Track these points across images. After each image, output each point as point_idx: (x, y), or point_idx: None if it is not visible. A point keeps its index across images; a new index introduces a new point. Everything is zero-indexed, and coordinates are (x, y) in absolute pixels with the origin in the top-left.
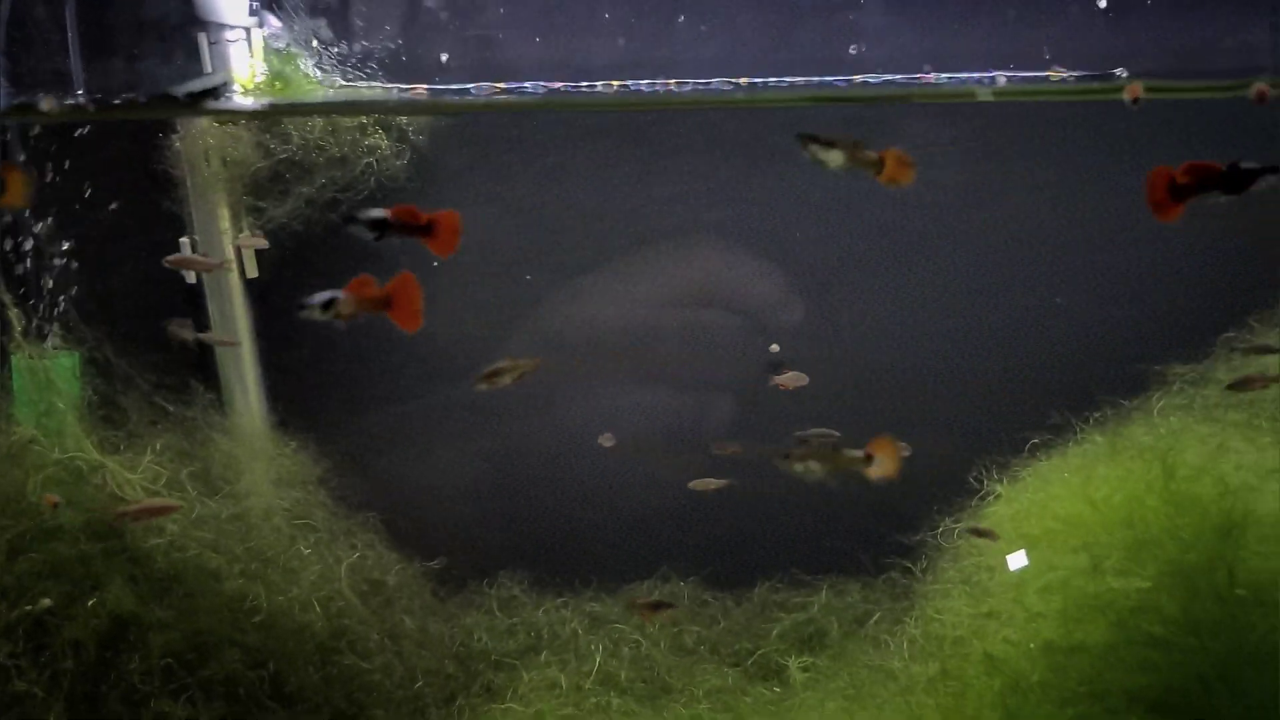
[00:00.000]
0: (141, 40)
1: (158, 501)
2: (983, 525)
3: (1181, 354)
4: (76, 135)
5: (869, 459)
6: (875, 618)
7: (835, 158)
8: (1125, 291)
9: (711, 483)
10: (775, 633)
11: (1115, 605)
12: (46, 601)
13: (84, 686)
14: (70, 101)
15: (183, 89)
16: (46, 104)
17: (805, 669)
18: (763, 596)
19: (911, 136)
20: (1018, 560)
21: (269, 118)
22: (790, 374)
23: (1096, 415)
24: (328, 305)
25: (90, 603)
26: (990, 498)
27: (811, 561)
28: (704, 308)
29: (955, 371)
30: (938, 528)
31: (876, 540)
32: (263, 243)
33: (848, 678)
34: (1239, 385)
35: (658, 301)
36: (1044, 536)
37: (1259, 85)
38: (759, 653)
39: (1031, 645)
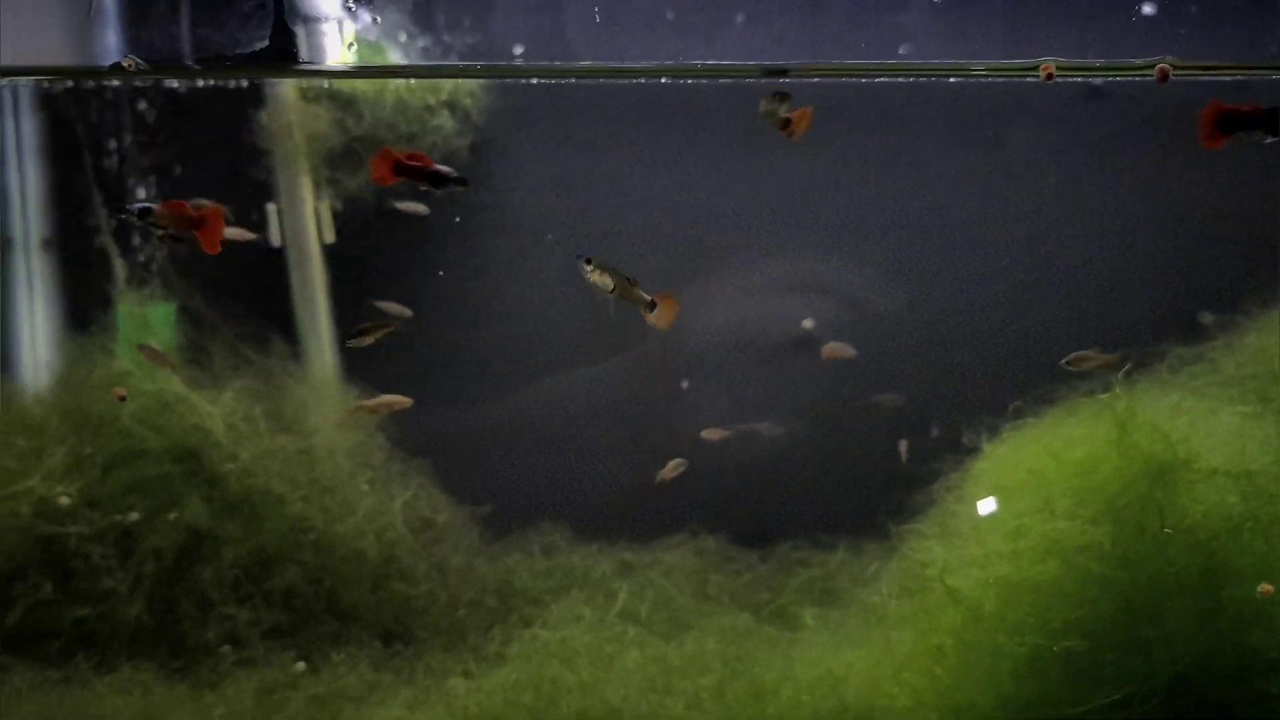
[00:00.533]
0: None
1: (392, 398)
2: (968, 480)
3: (1183, 337)
4: (180, 102)
5: (651, 305)
6: (873, 567)
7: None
8: (1138, 276)
9: (717, 432)
10: (793, 586)
11: (1063, 544)
12: (134, 515)
13: (162, 589)
14: (152, 62)
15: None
16: (127, 62)
17: (816, 618)
18: (785, 554)
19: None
20: (986, 506)
21: (344, 77)
22: (835, 344)
23: (1087, 386)
24: (143, 213)
25: (170, 517)
26: (977, 455)
27: (833, 523)
28: (746, 290)
29: (964, 345)
30: (933, 482)
31: (890, 502)
32: (422, 209)
33: (846, 620)
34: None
35: (702, 278)
36: (1015, 487)
37: (1161, 65)
38: (775, 603)
39: (990, 582)
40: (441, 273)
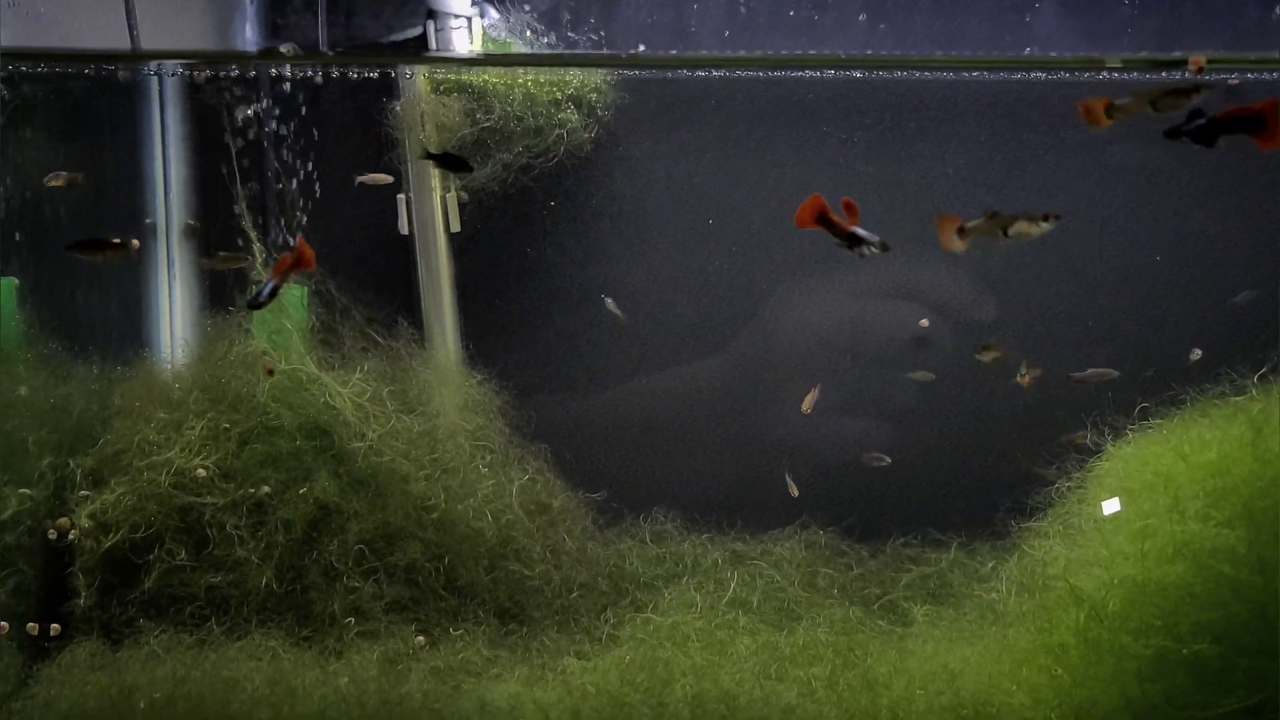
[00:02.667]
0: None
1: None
2: (1091, 480)
3: None
4: (317, 94)
5: None
6: (990, 565)
7: None
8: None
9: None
10: (903, 582)
11: (1193, 547)
12: (266, 488)
13: (291, 559)
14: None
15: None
16: (286, 48)
17: (929, 614)
18: (896, 550)
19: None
20: (1111, 506)
21: (476, 65)
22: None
23: (1217, 390)
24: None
25: (301, 490)
26: (1101, 455)
27: (945, 521)
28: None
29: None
30: (1053, 483)
31: (1006, 501)
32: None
33: (960, 616)
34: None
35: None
36: (1142, 489)
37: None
38: (885, 598)
39: (1114, 582)
40: (608, 300)
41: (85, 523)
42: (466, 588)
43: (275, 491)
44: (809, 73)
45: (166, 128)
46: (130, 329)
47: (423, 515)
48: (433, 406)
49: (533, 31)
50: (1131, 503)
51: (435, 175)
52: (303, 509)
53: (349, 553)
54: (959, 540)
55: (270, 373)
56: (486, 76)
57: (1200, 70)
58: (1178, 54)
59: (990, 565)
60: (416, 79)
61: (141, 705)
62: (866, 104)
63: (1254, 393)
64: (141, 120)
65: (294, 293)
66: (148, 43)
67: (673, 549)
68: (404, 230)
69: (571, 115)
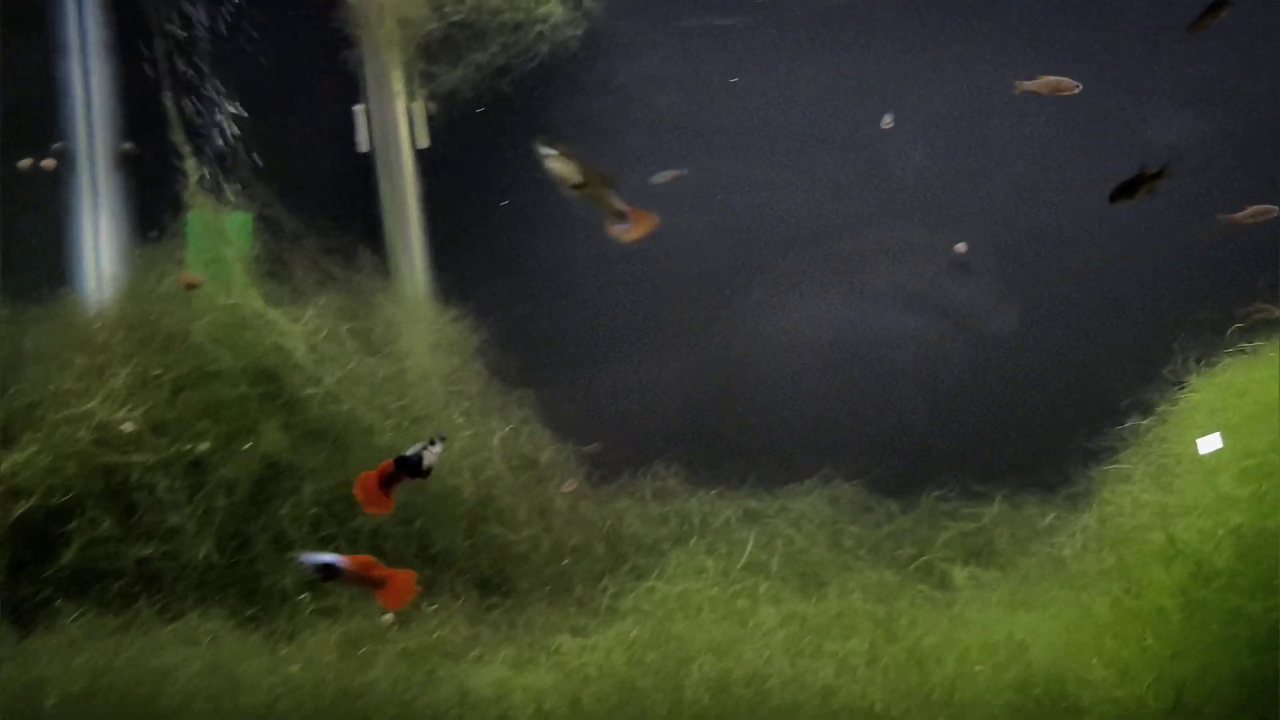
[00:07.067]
0: None
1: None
2: (1175, 417)
3: None
4: None
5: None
6: (1050, 518)
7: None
8: None
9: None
10: (941, 540)
11: None
12: (205, 444)
13: (235, 526)
14: None
15: None
16: None
17: (972, 578)
18: (930, 505)
19: None
20: (1210, 444)
21: None
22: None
23: None
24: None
25: (246, 445)
26: (1185, 388)
27: (986, 472)
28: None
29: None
30: (1125, 422)
31: (1060, 446)
32: None
33: (1016, 578)
34: None
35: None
36: (1242, 422)
37: None
38: (921, 558)
39: (1221, 532)
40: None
41: None
42: (441, 555)
43: (215, 447)
44: None
45: (86, 34)
46: (48, 263)
47: None
48: (400, 347)
49: None
50: (1232, 439)
51: (398, 79)
52: (248, 467)
53: (303, 517)
54: (1004, 491)
55: (190, 286)
56: None
57: None
58: None
59: (1051, 517)
60: None
61: (52, 701)
62: None
63: None
64: (56, 26)
65: (236, 218)
66: None
67: (677, 507)
68: (363, 147)
69: (555, 9)
